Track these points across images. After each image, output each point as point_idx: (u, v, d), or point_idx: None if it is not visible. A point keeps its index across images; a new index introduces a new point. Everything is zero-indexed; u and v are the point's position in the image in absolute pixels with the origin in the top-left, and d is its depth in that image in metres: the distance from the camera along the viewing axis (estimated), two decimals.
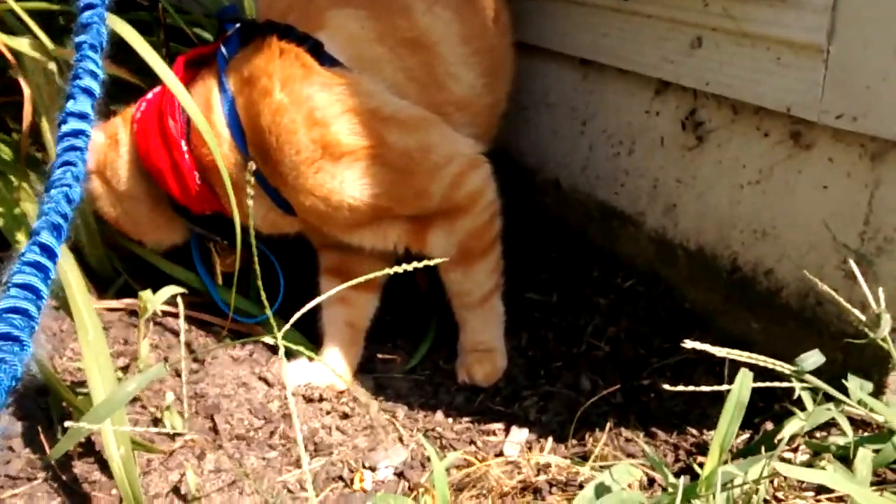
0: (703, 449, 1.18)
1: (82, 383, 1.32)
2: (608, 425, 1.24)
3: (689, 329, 1.38)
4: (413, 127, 1.28)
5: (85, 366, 1.13)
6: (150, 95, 1.36)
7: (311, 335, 1.42)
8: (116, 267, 1.52)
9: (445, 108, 1.34)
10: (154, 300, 1.20)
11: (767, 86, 1.16)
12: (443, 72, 1.36)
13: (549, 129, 1.65)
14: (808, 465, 1.01)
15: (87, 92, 0.98)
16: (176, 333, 1.41)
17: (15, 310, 0.72)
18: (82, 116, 0.96)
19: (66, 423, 1.18)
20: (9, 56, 1.34)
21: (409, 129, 1.28)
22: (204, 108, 1.27)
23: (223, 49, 1.30)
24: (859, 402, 1.06)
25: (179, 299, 1.05)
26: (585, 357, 1.41)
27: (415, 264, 0.91)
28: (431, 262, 0.92)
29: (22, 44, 1.34)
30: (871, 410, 1.00)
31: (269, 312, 0.88)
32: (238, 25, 1.32)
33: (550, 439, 1.25)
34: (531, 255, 1.63)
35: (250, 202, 0.91)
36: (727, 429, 0.91)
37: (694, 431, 1.22)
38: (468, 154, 1.32)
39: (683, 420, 1.24)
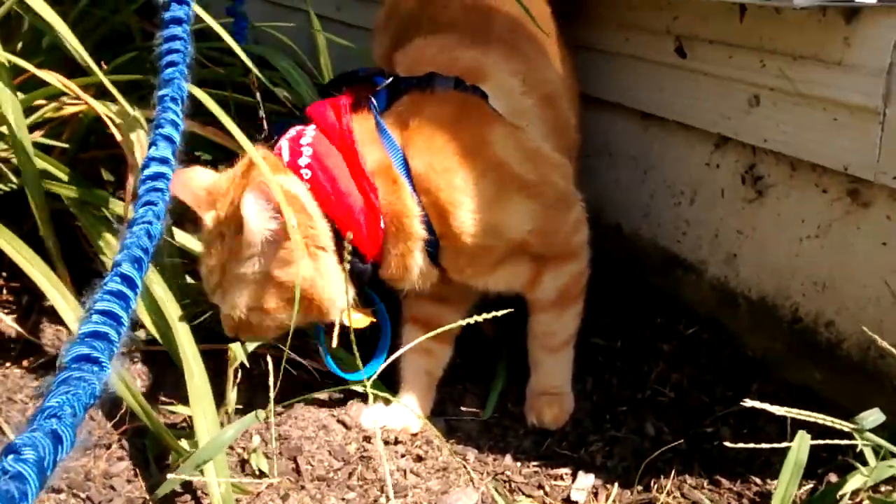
0: (766, 498, 1.21)
1: (174, 426, 1.42)
2: (672, 472, 1.28)
3: (751, 377, 1.41)
4: (562, 170, 1.40)
5: (192, 408, 1.23)
6: (305, 141, 1.32)
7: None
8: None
9: (564, 154, 1.45)
10: (241, 353, 1.29)
11: (824, 145, 1.20)
12: (564, 120, 1.49)
13: (611, 178, 1.70)
14: None
15: (168, 139, 1.06)
16: (259, 375, 1.51)
17: (96, 334, 0.76)
18: (163, 161, 1.03)
19: (166, 463, 1.28)
20: (108, 122, 1.46)
21: (560, 172, 1.39)
22: (383, 159, 1.31)
23: (374, 101, 1.35)
24: None
25: (269, 357, 1.14)
26: (650, 403, 1.45)
27: (493, 314, 1.01)
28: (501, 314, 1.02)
29: (112, 109, 1.45)
30: None
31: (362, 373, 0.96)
32: (390, 80, 1.36)
33: (616, 485, 1.29)
34: (595, 299, 1.68)
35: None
36: (786, 490, 0.95)
37: (757, 480, 1.25)
38: (582, 203, 1.42)
39: (747, 468, 1.27)
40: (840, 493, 1.06)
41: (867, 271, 1.21)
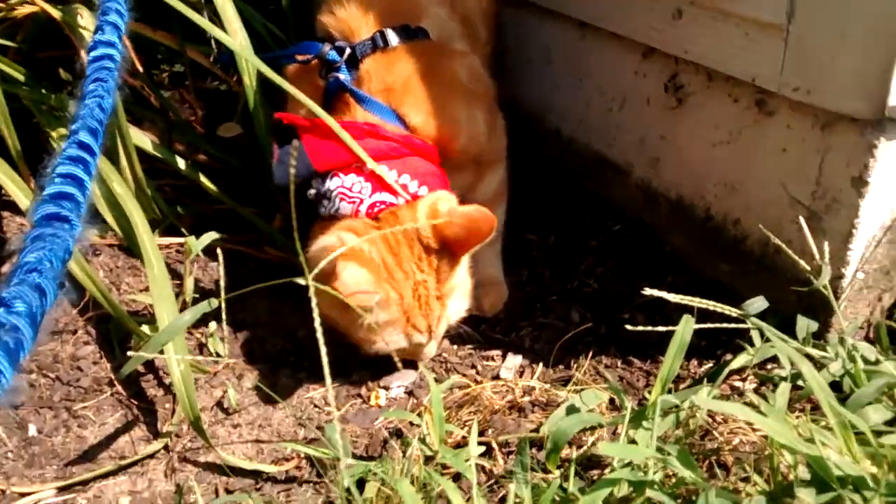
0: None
1: (136, 313, 1.53)
2: (591, 353, 1.42)
3: (668, 270, 1.54)
4: (487, 83, 1.57)
5: (152, 296, 1.33)
6: (394, 175, 1.35)
7: None
8: (161, 209, 1.70)
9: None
10: (196, 246, 1.39)
11: (736, 57, 1.29)
12: (477, 36, 1.63)
13: (552, 83, 1.79)
14: (738, 392, 1.19)
15: (114, 26, 1.10)
16: (215, 268, 1.61)
17: (61, 195, 0.78)
18: (110, 44, 1.06)
19: (129, 348, 1.39)
20: (64, 27, 1.50)
21: (487, 84, 1.56)
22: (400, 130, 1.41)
23: (342, 76, 1.42)
24: (803, 340, 1.24)
25: (219, 250, 1.24)
26: (576, 293, 1.59)
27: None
28: None
29: (71, 14, 1.49)
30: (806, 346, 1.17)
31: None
32: (348, 51, 1.43)
33: (541, 365, 1.44)
34: (533, 199, 1.79)
35: None
36: (671, 364, 1.09)
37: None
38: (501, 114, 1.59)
39: (658, 351, 1.41)
40: (728, 369, 1.21)
41: (769, 175, 1.32)
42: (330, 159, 1.35)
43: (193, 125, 2.06)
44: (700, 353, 1.36)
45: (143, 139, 1.68)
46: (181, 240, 1.64)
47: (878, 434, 0.96)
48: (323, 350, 1.11)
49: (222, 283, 1.19)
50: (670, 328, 1.15)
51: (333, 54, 1.43)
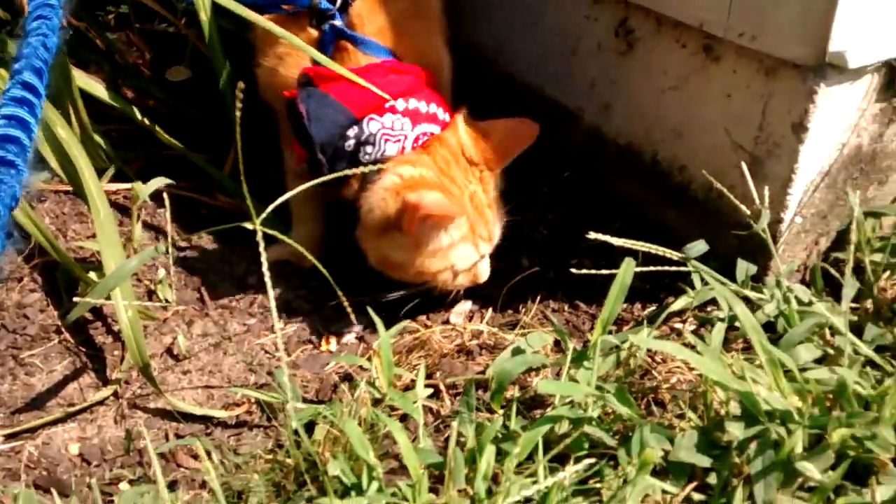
0: (616, 319, 1.38)
1: (83, 260, 1.52)
2: (538, 298, 1.44)
3: (616, 216, 1.56)
4: None
5: (99, 243, 1.31)
6: (424, 108, 1.41)
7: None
8: (108, 155, 1.68)
9: None
10: (144, 191, 1.37)
11: (685, 2, 1.30)
12: None
13: (506, 26, 1.77)
14: (677, 333, 1.22)
15: None
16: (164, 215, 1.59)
17: (6, 138, 0.75)
18: None
19: (76, 295, 1.38)
20: None
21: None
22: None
23: (338, 23, 1.42)
24: (742, 283, 1.27)
25: (166, 195, 1.22)
26: (527, 239, 1.61)
27: None
28: None
29: None
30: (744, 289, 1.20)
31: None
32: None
33: (490, 310, 1.46)
34: None
35: None
36: (613, 305, 1.11)
37: None
38: None
39: (603, 294, 1.43)
40: (668, 311, 1.24)
41: (714, 121, 1.34)
42: (365, 103, 1.36)
43: (141, 69, 2.01)
44: (644, 296, 1.39)
45: (89, 83, 1.64)
46: (129, 185, 1.62)
47: (806, 371, 1.00)
48: (272, 295, 1.12)
49: (169, 228, 1.18)
50: (614, 271, 1.18)
51: (325, 3, 1.42)
